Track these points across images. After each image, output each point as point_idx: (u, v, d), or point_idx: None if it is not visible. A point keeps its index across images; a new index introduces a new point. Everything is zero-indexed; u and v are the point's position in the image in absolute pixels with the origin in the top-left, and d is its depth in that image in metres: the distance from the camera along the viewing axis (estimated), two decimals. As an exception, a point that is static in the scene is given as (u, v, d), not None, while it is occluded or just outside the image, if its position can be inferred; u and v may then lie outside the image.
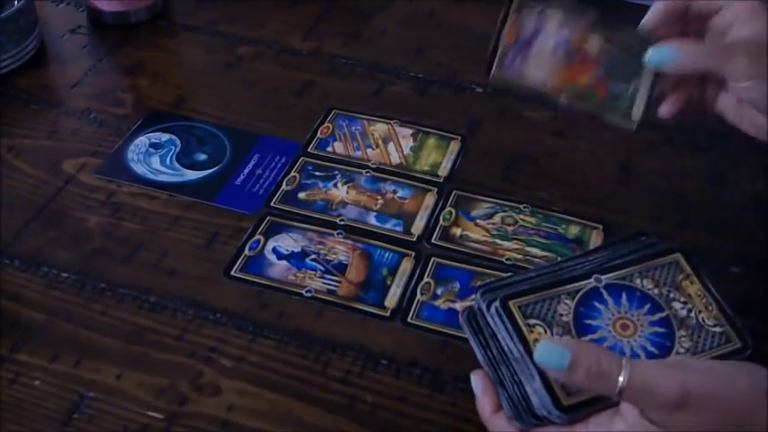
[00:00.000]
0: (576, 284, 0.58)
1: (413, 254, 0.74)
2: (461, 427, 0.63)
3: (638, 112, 0.70)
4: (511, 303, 0.56)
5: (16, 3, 0.92)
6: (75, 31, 0.99)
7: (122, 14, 0.99)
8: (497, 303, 0.56)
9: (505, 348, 0.56)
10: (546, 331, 0.56)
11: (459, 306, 0.70)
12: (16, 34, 0.91)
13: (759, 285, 0.71)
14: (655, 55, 0.68)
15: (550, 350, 0.51)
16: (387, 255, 0.74)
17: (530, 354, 0.54)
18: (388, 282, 0.72)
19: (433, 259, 0.73)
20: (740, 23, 0.67)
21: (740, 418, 0.50)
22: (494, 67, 0.70)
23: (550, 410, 0.53)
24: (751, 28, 0.67)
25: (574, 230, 0.76)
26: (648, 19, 0.71)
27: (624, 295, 0.58)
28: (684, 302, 0.59)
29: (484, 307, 0.57)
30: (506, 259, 0.73)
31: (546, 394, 0.53)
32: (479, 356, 0.58)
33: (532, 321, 0.56)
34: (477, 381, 0.58)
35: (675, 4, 0.70)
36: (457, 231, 0.76)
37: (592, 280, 0.59)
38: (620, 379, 0.50)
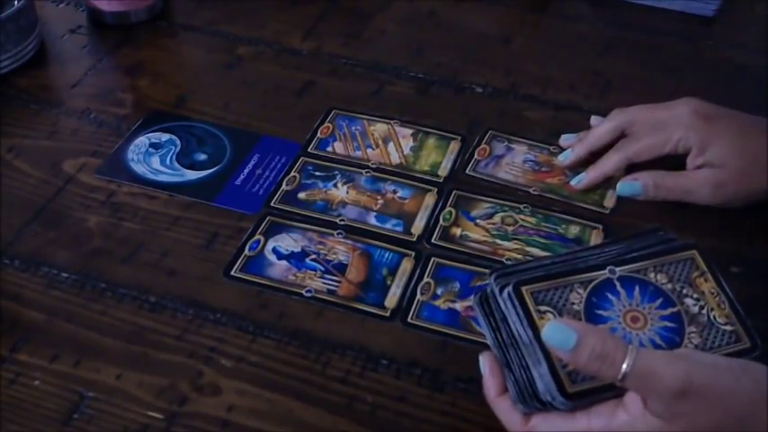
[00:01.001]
0: (590, 274, 0.59)
1: (413, 254, 0.74)
2: (461, 427, 0.63)
3: (610, 202, 0.76)
4: (523, 289, 0.57)
5: (16, 3, 0.92)
6: (75, 31, 0.99)
7: (122, 14, 0.99)
8: (510, 288, 0.57)
9: (515, 333, 0.57)
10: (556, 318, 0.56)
11: (459, 306, 0.70)
12: (16, 34, 0.91)
13: (759, 285, 0.71)
14: (623, 188, 0.79)
15: (558, 329, 0.52)
16: (387, 255, 0.74)
17: (538, 339, 0.54)
18: (388, 282, 0.72)
19: (433, 259, 0.73)
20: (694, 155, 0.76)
21: (741, 417, 0.51)
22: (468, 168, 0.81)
23: (555, 396, 0.54)
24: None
25: (574, 230, 0.76)
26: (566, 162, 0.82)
27: (637, 288, 0.59)
28: (697, 299, 0.59)
29: (497, 291, 0.58)
30: (506, 259, 0.73)
31: (551, 380, 0.54)
32: (488, 339, 0.59)
33: (543, 308, 0.56)
34: (485, 362, 0.59)
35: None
36: (457, 231, 0.76)
37: (606, 271, 0.59)
38: (624, 364, 0.50)
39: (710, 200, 0.76)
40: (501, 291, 0.57)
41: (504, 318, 0.57)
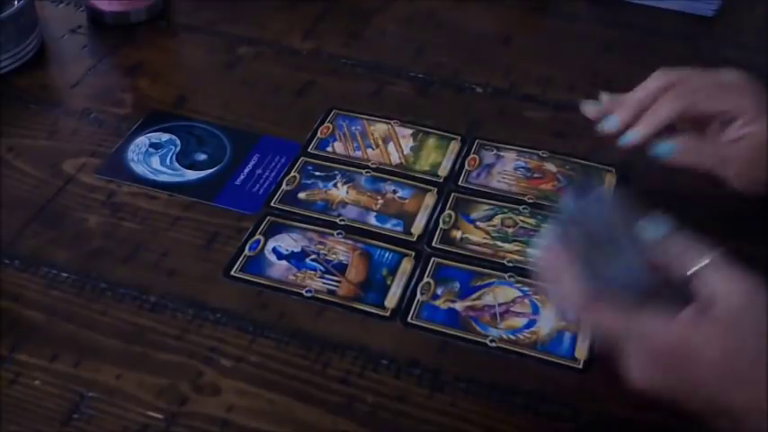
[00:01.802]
0: None
1: (413, 254, 0.74)
2: (461, 427, 0.63)
3: None
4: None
5: (16, 3, 0.92)
6: (75, 31, 0.99)
7: (122, 14, 0.99)
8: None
9: (608, 224, 0.59)
10: None
11: (459, 306, 0.70)
12: (16, 34, 0.91)
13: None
14: (658, 149, 0.73)
15: (653, 220, 0.58)
16: (387, 255, 0.74)
17: (628, 233, 0.58)
18: (388, 282, 0.72)
19: (432, 259, 0.73)
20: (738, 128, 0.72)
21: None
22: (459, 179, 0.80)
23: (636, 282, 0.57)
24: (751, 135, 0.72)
25: (574, 231, 0.76)
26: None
27: None
28: None
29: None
30: (507, 261, 0.73)
31: (636, 267, 0.57)
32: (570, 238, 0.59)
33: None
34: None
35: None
36: (457, 234, 0.76)
37: None
38: (703, 262, 0.57)
39: (743, 173, 0.72)
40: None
41: (599, 211, 0.59)
